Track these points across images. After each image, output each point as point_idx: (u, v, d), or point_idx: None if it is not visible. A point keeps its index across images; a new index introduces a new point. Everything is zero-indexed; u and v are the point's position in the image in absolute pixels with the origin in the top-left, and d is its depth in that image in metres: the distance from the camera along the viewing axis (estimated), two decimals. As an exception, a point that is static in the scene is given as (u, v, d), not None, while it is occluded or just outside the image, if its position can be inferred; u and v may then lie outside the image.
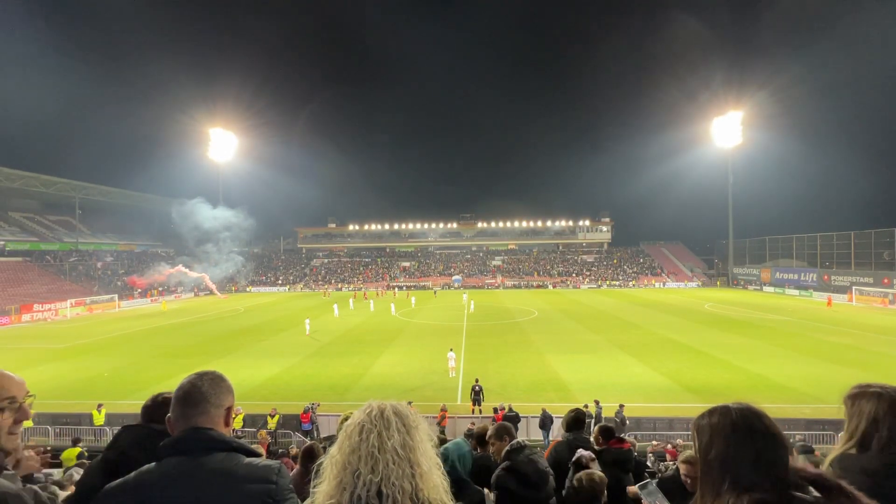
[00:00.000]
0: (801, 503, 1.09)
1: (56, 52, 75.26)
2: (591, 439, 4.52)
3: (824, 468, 1.57)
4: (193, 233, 63.06)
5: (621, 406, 14.43)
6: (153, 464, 1.44)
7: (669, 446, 12.22)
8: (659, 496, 2.30)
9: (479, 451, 4.23)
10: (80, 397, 17.80)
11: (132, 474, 1.43)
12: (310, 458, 4.33)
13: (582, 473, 3.26)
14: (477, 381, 16.79)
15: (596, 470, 3.34)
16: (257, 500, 1.38)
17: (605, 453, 4.03)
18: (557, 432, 12.50)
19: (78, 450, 8.64)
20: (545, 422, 13.99)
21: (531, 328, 32.78)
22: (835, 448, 1.66)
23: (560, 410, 15.19)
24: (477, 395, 16.06)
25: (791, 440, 7.78)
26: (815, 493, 1.12)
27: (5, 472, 1.52)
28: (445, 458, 2.82)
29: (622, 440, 4.36)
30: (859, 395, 1.59)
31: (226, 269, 66.25)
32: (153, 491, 1.37)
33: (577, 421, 4.29)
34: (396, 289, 65.25)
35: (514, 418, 13.51)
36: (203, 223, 62.82)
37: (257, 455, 1.51)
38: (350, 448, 1.33)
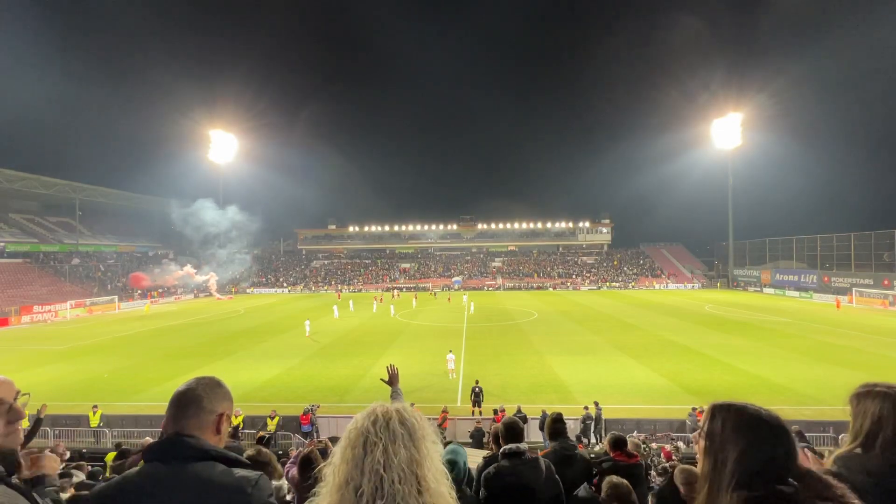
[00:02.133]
0: (783, 496, 1.10)
1: (56, 54, 75.45)
2: (602, 447, 4.42)
3: (827, 465, 1.57)
4: (197, 234, 63.37)
5: (694, 409, 14.15)
6: (137, 468, 1.44)
7: (668, 447, 12.20)
8: None
9: (493, 449, 4.12)
10: (79, 399, 17.76)
11: (118, 477, 1.44)
12: (307, 467, 4.30)
13: (607, 482, 3.23)
14: (477, 382, 16.79)
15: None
16: None
17: (602, 463, 3.90)
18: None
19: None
20: (545, 423, 13.96)
21: (531, 329, 32.75)
22: (840, 448, 1.65)
23: (560, 412, 14.90)
24: (477, 397, 16.07)
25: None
26: (792, 482, 1.13)
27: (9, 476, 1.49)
28: (454, 462, 2.77)
29: (631, 455, 4.11)
30: (865, 395, 1.58)
31: (233, 271, 66.61)
32: (131, 496, 1.37)
33: (558, 426, 4.08)
34: (400, 291, 64.66)
35: (522, 420, 13.48)
36: (208, 225, 63.13)
37: (241, 464, 1.48)
38: (354, 461, 1.28)
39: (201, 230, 63.83)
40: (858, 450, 1.55)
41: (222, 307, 51.03)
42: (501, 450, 3.18)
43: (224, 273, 65.81)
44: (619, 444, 4.21)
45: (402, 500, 1.24)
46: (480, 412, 15.59)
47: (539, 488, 2.99)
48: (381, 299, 50.20)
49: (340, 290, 66.51)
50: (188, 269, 62.06)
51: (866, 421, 1.54)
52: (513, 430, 3.37)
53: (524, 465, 3.07)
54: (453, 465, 2.68)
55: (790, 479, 1.13)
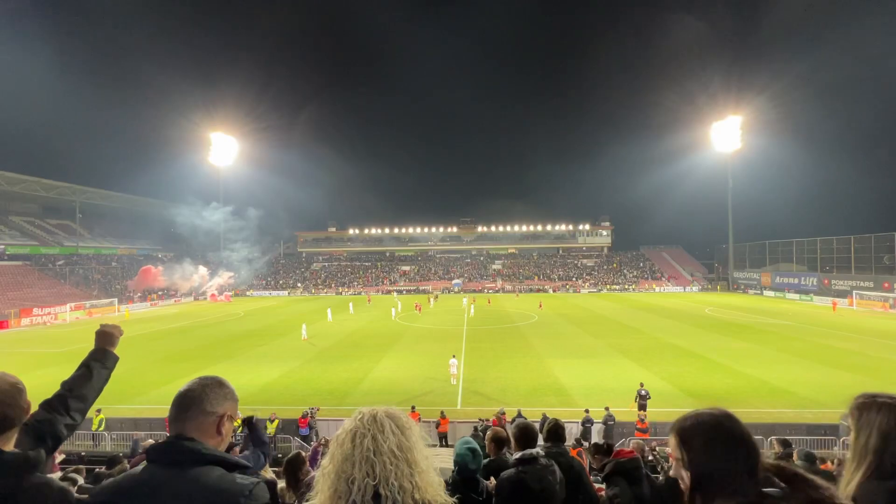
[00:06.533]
0: (772, 500, 1.10)
1: (57, 57, 75.66)
2: (590, 451, 4.42)
3: (841, 492, 1.41)
4: (197, 237, 63.65)
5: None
6: (140, 468, 1.45)
7: (669, 449, 12.15)
8: None
9: (493, 454, 4.05)
10: (78, 402, 17.70)
11: (121, 476, 1.45)
12: (294, 468, 4.27)
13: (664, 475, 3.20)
14: (642, 385, 16.31)
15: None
16: None
17: (608, 464, 3.94)
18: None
19: None
20: (544, 426, 13.92)
21: (531, 332, 32.71)
22: (846, 467, 1.50)
23: (560, 415, 15.01)
24: (643, 400, 15.63)
25: (794, 447, 7.74)
26: (781, 484, 1.14)
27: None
28: (467, 456, 2.80)
29: (630, 454, 4.10)
30: (868, 406, 1.46)
31: (245, 272, 66.98)
32: (129, 498, 1.38)
33: (555, 433, 4.09)
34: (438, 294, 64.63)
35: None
36: (209, 227, 63.52)
37: (241, 467, 1.47)
38: (342, 456, 1.30)
39: (202, 233, 64.02)
40: (868, 471, 1.42)
41: (221, 309, 50.98)
42: (520, 455, 3.11)
43: (240, 275, 66.52)
44: (600, 450, 4.30)
45: (397, 480, 1.25)
46: (645, 415, 15.05)
47: (557, 494, 2.97)
48: (419, 307, 47.80)
49: (370, 296, 66.78)
50: (202, 271, 62.51)
51: (871, 438, 1.42)
52: (527, 434, 3.33)
53: (544, 469, 3.04)
54: (475, 454, 2.74)
55: (774, 482, 1.13)
